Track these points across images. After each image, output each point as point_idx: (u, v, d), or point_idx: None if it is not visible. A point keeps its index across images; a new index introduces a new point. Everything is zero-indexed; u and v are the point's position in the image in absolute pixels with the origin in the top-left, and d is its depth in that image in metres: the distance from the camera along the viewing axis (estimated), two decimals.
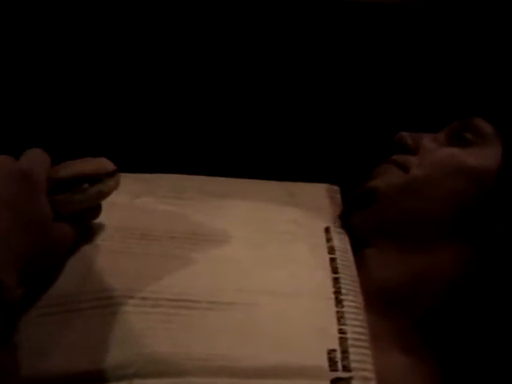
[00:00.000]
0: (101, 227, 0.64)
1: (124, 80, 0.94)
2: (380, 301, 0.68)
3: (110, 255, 0.61)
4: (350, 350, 0.55)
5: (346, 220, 0.74)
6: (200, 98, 0.95)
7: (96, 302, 0.56)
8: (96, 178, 0.60)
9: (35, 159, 0.58)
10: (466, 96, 0.93)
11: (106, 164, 0.61)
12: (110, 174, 0.61)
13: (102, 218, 0.64)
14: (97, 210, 0.63)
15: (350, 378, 0.53)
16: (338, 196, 0.79)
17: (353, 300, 0.61)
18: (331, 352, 0.55)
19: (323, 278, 0.63)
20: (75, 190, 0.59)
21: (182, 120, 0.96)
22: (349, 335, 0.57)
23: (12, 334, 0.51)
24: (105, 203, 0.63)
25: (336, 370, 0.53)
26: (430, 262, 0.68)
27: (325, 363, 0.54)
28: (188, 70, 0.94)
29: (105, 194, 0.61)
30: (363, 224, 0.72)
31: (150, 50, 0.93)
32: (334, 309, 0.59)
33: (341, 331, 0.57)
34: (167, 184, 0.75)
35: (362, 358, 0.55)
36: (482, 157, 0.70)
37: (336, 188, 0.80)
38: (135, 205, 0.70)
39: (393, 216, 0.71)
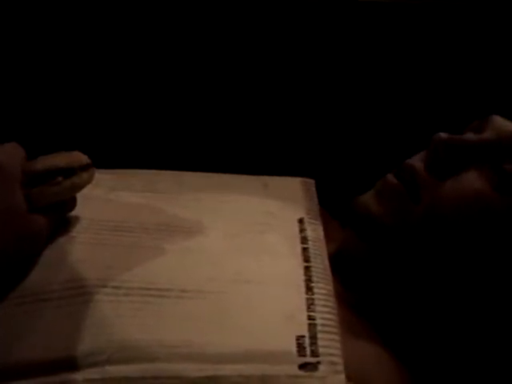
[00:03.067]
0: (76, 220, 0.65)
1: (100, 75, 0.95)
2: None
3: (83, 246, 0.62)
4: (319, 335, 0.56)
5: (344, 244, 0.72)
6: (176, 95, 0.96)
7: (68, 291, 0.57)
8: (70, 171, 0.61)
9: (10, 152, 0.60)
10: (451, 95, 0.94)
11: (79, 157, 0.62)
12: (84, 168, 0.62)
13: (77, 211, 0.65)
14: (72, 202, 0.64)
15: (318, 363, 0.54)
16: (313, 189, 0.79)
17: (323, 287, 0.62)
18: (300, 338, 0.55)
19: (294, 267, 0.64)
20: (50, 182, 0.60)
21: (158, 116, 0.97)
22: (318, 321, 0.57)
23: None
24: (80, 197, 0.64)
25: (304, 356, 0.54)
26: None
27: (293, 349, 0.55)
28: (163, 64, 0.95)
29: (79, 187, 0.62)
30: (357, 254, 0.71)
31: (134, 47, 0.94)
32: (303, 296, 0.60)
33: (310, 318, 0.58)
34: (142, 178, 0.76)
35: (330, 344, 0.56)
36: None
37: (311, 181, 0.81)
38: (110, 198, 0.71)
39: (388, 258, 0.68)
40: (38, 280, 0.58)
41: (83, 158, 0.62)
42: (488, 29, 0.92)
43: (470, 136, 0.67)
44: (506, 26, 0.92)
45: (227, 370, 0.53)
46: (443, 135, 0.66)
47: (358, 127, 0.97)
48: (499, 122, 0.67)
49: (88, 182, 0.62)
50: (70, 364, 0.52)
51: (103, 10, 0.92)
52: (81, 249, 0.62)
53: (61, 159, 0.61)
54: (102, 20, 0.92)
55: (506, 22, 0.92)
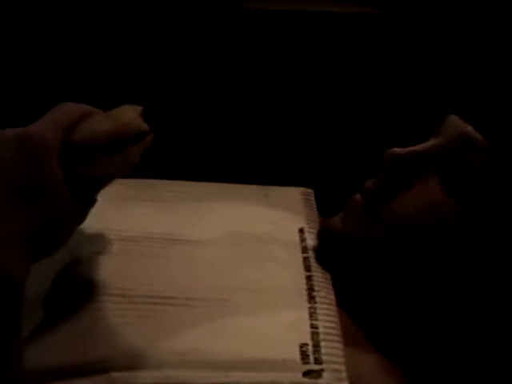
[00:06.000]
0: (80, 229, 0.66)
1: (101, 79, 0.96)
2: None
3: (88, 255, 0.63)
4: (322, 343, 0.57)
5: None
6: (177, 104, 0.97)
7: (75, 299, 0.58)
8: (116, 146, 0.51)
9: (51, 121, 0.52)
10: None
11: (131, 124, 0.52)
12: (137, 138, 0.51)
13: None
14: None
15: (321, 370, 0.55)
16: (312, 198, 0.81)
17: (325, 296, 0.63)
18: (303, 346, 0.57)
19: (296, 276, 0.65)
20: (88, 160, 0.51)
21: (161, 125, 0.97)
22: (320, 330, 0.59)
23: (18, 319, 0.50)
24: None
25: (308, 363, 0.55)
26: None
27: (297, 356, 0.56)
28: (166, 73, 0.96)
29: (126, 164, 0.52)
30: (336, 268, 0.70)
31: (137, 50, 0.95)
32: (306, 305, 0.61)
33: (313, 326, 0.59)
34: (147, 188, 0.77)
35: (333, 351, 0.57)
36: None
37: (310, 191, 0.82)
38: (114, 208, 0.71)
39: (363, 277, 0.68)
40: (43, 288, 0.59)
41: (135, 125, 0.51)
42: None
43: (419, 146, 0.64)
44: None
45: (235, 377, 0.54)
46: (397, 150, 0.64)
47: (358, 137, 0.98)
48: (451, 123, 0.64)
49: (138, 153, 0.51)
50: (77, 371, 0.53)
51: (103, 10, 0.92)
52: (86, 258, 0.63)
53: (107, 128, 0.51)
54: (102, 20, 0.92)
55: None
